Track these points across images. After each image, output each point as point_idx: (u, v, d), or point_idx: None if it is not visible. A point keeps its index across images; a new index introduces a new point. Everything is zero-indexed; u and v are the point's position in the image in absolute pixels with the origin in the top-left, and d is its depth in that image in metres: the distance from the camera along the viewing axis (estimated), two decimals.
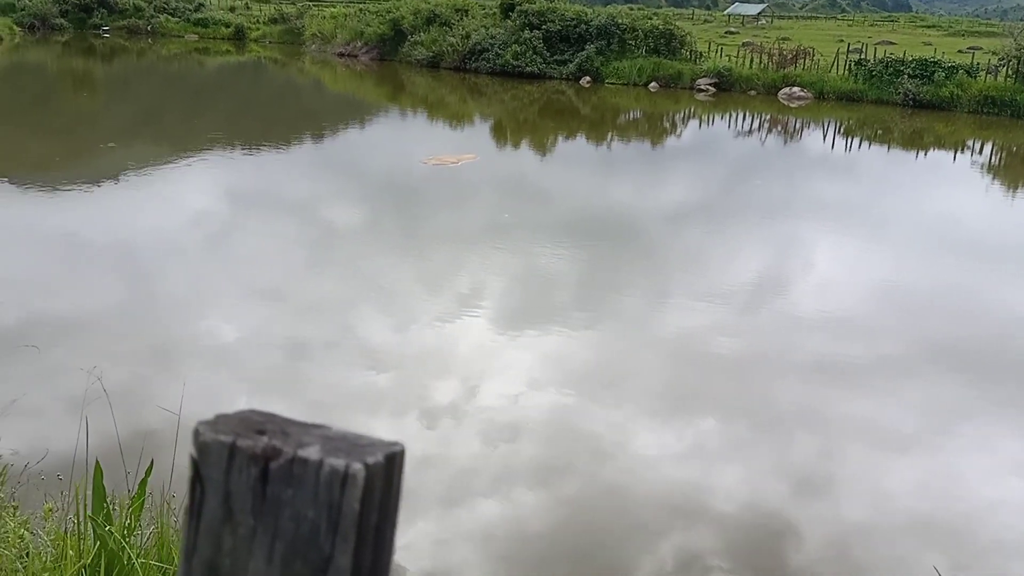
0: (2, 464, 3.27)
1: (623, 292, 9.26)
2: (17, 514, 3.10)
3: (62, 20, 42.19)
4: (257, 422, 0.58)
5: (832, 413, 6.65)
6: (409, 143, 19.06)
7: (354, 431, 0.58)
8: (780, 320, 8.62)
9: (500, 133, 21.02)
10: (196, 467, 0.57)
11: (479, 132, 21.22)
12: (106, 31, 42.36)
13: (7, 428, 4.14)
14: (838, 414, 6.63)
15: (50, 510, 3.11)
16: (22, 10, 40.42)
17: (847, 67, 27.63)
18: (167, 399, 5.84)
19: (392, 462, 0.56)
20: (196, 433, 0.57)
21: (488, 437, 5.96)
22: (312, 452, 0.55)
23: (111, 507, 3.30)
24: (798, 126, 23.69)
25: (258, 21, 44.14)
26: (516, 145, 19.65)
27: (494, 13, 32.01)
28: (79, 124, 20.24)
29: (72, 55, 35.17)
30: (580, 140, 20.64)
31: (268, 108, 25.14)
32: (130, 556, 3.10)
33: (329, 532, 0.55)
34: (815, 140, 21.62)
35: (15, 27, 37.62)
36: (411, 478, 4.89)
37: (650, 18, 30.45)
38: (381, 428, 6.01)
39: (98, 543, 3.11)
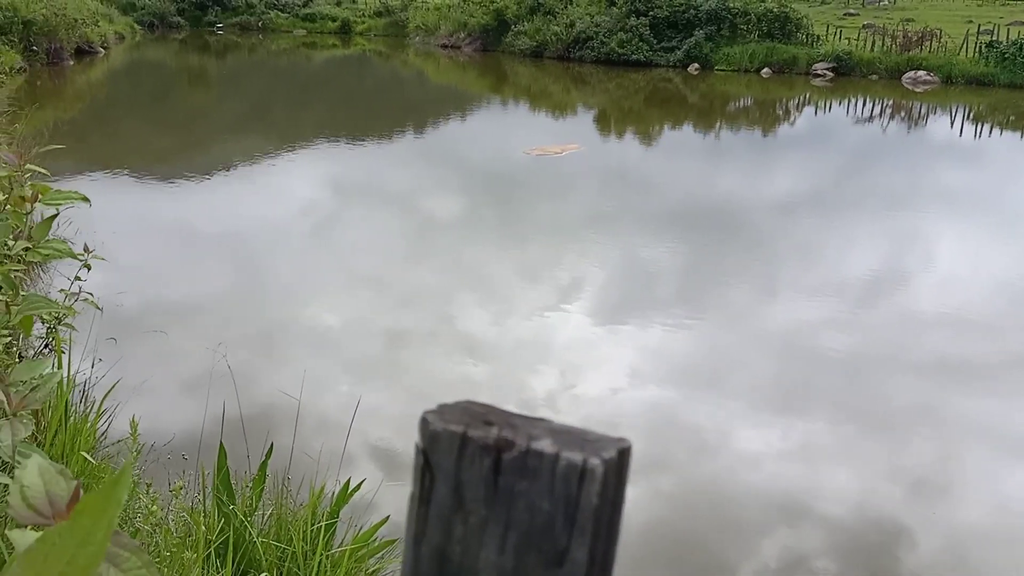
0: (140, 443, 3.36)
1: (729, 285, 8.89)
2: (150, 491, 3.25)
3: (179, 18, 43.84)
4: (481, 413, 0.58)
5: (952, 413, 6.23)
6: (511, 133, 18.86)
7: (577, 425, 0.58)
8: (898, 316, 8.12)
9: (604, 123, 20.62)
10: (425, 456, 0.57)
11: (583, 122, 20.87)
12: (220, 28, 43.79)
13: (135, 409, 4.20)
14: (959, 415, 6.22)
15: (180, 487, 3.28)
16: (142, 9, 42.15)
17: (977, 49, 26.06)
18: (277, 383, 5.88)
19: (623, 457, 0.56)
20: (424, 422, 0.56)
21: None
22: (546, 445, 0.55)
23: (233, 487, 3.42)
24: (923, 112, 22.44)
25: (363, 15, 44.85)
26: (620, 135, 19.22)
27: (599, 0, 31.50)
28: (194, 118, 20.87)
29: (188, 52, 36.49)
30: (687, 129, 20.05)
31: (372, 100, 25.39)
32: (251, 535, 3.23)
33: (566, 525, 0.55)
34: (942, 127, 20.40)
35: (135, 26, 39.23)
36: None
37: (763, 1, 29.34)
38: None
39: (222, 521, 3.25)
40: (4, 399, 1.06)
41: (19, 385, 1.09)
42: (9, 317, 1.52)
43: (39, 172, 2.50)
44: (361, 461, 5.06)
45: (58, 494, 0.69)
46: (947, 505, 5.15)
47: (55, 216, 1.71)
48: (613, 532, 0.58)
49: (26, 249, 1.62)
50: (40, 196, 1.66)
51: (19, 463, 0.98)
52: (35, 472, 0.71)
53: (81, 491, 0.71)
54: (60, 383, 3.57)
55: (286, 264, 9.16)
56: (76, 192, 1.76)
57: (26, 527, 0.69)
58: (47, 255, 1.63)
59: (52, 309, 1.43)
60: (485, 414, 0.58)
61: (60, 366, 3.91)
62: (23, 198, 1.70)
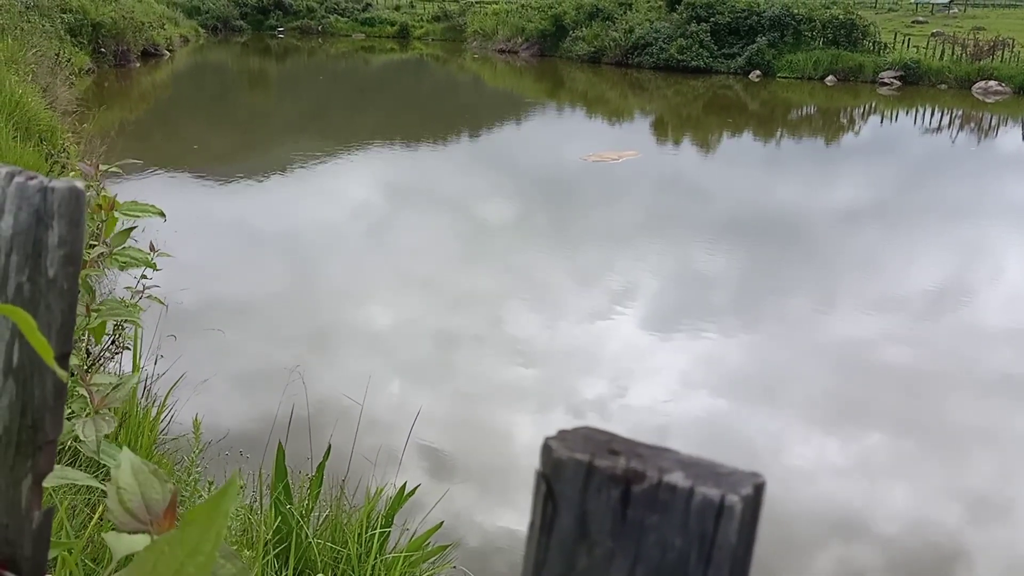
0: (203, 442, 3.39)
1: (785, 295, 8.73)
2: (212, 488, 3.32)
3: (241, 22, 44.75)
4: (604, 441, 0.57)
5: (1016, 434, 6.05)
6: (568, 139, 18.80)
7: (705, 457, 0.56)
8: (961, 331, 7.89)
9: (662, 130, 20.42)
10: (548, 483, 0.56)
11: (640, 129, 20.71)
12: (281, 32, 44.58)
13: (195, 405, 4.26)
14: (1022, 435, 6.05)
15: (241, 487, 3.33)
16: (206, 13, 43.10)
17: None
18: (331, 383, 5.90)
19: (759, 493, 0.55)
20: (548, 449, 0.55)
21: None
22: (678, 478, 0.54)
23: (291, 487, 3.45)
24: (994, 123, 21.79)
25: (422, 19, 45.26)
26: (678, 142, 19.01)
27: (659, 6, 31.30)
28: (253, 119, 21.22)
29: (249, 55, 37.20)
30: (747, 137, 19.76)
31: (427, 104, 25.55)
32: (307, 535, 3.26)
33: (700, 563, 0.53)
34: (1013, 138, 19.81)
35: (199, 29, 40.11)
36: None
37: (829, 7, 28.82)
38: (527, 422, 5.91)
39: (279, 520, 3.27)
40: (88, 397, 1.07)
41: (101, 385, 1.08)
42: (88, 320, 1.52)
43: (113, 171, 2.52)
44: (410, 463, 5.03)
45: (154, 498, 0.70)
46: (1008, 528, 5.01)
47: (133, 228, 1.74)
48: (746, 571, 0.57)
49: (103, 255, 1.63)
50: (116, 206, 1.69)
51: (103, 459, 0.97)
52: (129, 472, 0.73)
53: (176, 497, 0.71)
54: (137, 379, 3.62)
55: (341, 265, 9.25)
56: (154, 206, 1.79)
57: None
58: (125, 263, 1.64)
59: (130, 315, 1.43)
60: (608, 442, 0.57)
61: (136, 360, 3.98)
62: (99, 206, 1.73)
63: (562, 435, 0.57)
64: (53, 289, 0.56)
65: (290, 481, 3.49)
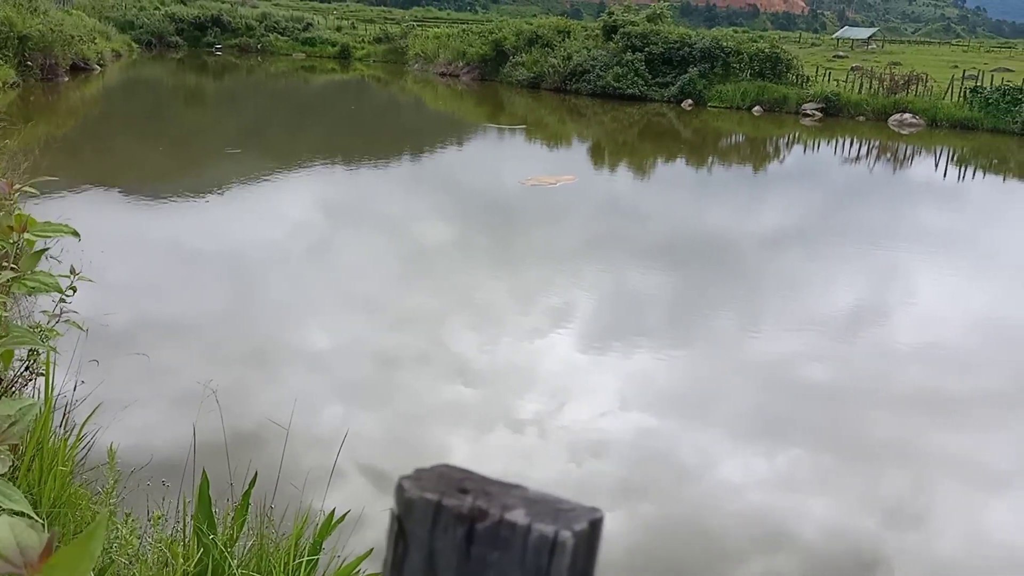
0: (119, 470, 3.30)
1: (713, 315, 9.00)
2: (130, 520, 3.18)
3: (177, 38, 44.07)
4: (457, 479, 0.58)
5: (928, 447, 6.35)
6: (507, 163, 18.96)
7: (552, 493, 0.58)
8: (876, 350, 8.22)
9: (598, 155, 20.76)
10: (400, 522, 0.58)
11: (577, 153, 21.01)
12: (219, 49, 44.01)
13: (117, 433, 4.15)
14: (934, 448, 6.34)
15: (159, 517, 3.21)
16: (140, 27, 42.33)
17: (961, 94, 26.47)
18: (264, 408, 5.84)
19: (594, 529, 0.57)
20: (400, 489, 0.57)
21: (572, 455, 5.88)
22: (519, 516, 0.55)
23: (215, 516, 3.36)
24: (908, 153, 22.78)
25: (363, 41, 45.20)
26: (614, 167, 19.36)
27: (596, 35, 31.88)
28: (188, 137, 20.89)
29: (185, 71, 36.62)
30: (679, 163, 20.23)
31: (369, 125, 25.48)
32: (231, 566, 3.17)
33: None
34: (926, 168, 20.69)
35: (133, 44, 39.34)
36: None
37: (756, 41, 29.78)
38: (467, 441, 5.97)
39: (201, 551, 3.17)
40: None
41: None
42: None
43: (29, 192, 2.47)
44: (346, 485, 5.02)
45: (30, 545, 0.70)
46: (923, 536, 5.22)
47: (45, 250, 1.69)
48: None
49: (12, 280, 1.59)
50: (28, 227, 1.65)
51: None
52: (5, 526, 0.71)
53: (55, 542, 0.71)
54: (41, 407, 3.51)
55: (277, 286, 9.11)
56: (66, 226, 1.75)
57: None
58: (33, 288, 1.62)
59: (37, 344, 1.41)
60: (461, 480, 0.58)
61: (48, 387, 3.84)
62: (10, 227, 1.67)
63: (418, 474, 0.58)
64: None
65: (216, 509, 3.41)
